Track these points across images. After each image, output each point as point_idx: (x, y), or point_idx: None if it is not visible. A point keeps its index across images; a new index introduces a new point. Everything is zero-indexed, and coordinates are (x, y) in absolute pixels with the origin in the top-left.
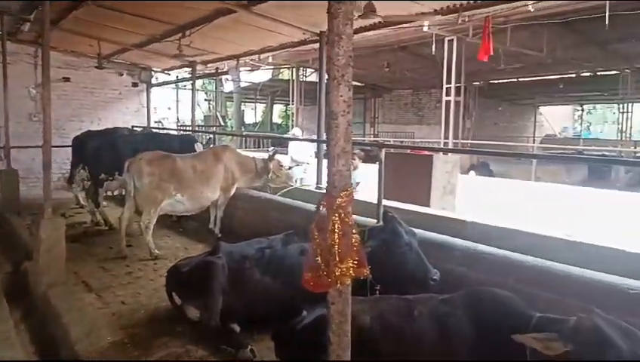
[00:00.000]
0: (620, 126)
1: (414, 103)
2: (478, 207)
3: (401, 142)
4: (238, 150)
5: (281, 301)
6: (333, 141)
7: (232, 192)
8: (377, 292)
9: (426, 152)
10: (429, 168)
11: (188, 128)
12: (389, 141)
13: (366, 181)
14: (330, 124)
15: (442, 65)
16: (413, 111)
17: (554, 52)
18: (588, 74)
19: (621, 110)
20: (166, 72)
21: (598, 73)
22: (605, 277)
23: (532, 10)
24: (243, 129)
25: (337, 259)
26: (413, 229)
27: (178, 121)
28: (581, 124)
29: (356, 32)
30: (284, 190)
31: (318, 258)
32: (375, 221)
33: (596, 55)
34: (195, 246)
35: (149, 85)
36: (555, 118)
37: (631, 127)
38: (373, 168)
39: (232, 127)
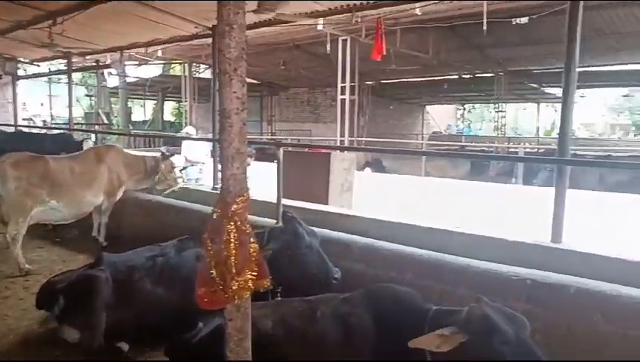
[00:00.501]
0: (496, 123)
1: (310, 101)
2: (374, 202)
3: (298, 140)
4: (126, 150)
5: (176, 313)
6: (227, 142)
7: (119, 196)
8: (279, 295)
9: (324, 150)
10: (327, 166)
11: (65, 126)
12: (286, 139)
13: (261, 180)
14: (223, 123)
15: (337, 64)
16: (310, 109)
17: (439, 54)
18: (468, 76)
19: (497, 109)
20: (36, 63)
21: (477, 75)
22: (492, 266)
23: (419, 13)
24: (131, 127)
25: (234, 271)
26: (314, 228)
27: (52, 118)
28: (463, 121)
29: (250, 27)
30: (169, 190)
31: (213, 271)
32: (275, 221)
33: (475, 58)
34: (75, 257)
35: (15, 77)
36: (440, 117)
37: (505, 125)
38: (270, 167)
39: (118, 126)
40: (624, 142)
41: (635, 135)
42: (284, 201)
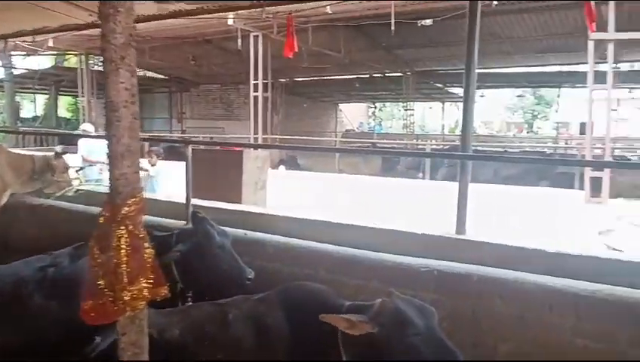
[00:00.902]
0: (405, 122)
1: (223, 98)
2: (289, 200)
3: (211, 138)
4: (13, 149)
5: (70, 328)
6: (115, 138)
7: (4, 200)
8: (189, 300)
9: (236, 148)
10: (240, 165)
11: None
12: (198, 137)
13: (171, 180)
14: (110, 117)
15: (249, 60)
16: (223, 106)
17: (350, 53)
18: (378, 75)
19: (405, 108)
20: None
21: (387, 75)
22: (403, 259)
23: (330, 12)
24: (19, 124)
25: (126, 280)
26: (225, 228)
27: None
28: (374, 120)
29: (151, 19)
30: (61, 192)
31: (101, 282)
32: (184, 222)
33: (384, 58)
34: None
35: None
36: (353, 115)
37: (413, 123)
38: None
39: (4, 122)
40: (518, 139)
41: (527, 132)
42: (196, 201)
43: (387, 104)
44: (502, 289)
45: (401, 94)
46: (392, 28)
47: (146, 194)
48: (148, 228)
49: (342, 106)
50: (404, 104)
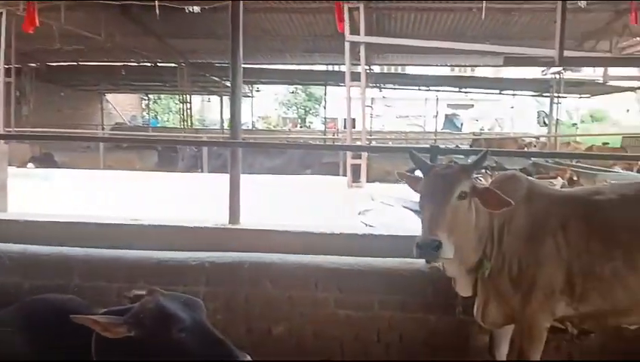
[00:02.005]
0: (181, 115)
1: None
2: (39, 202)
3: None
4: None
5: None
6: None
7: None
8: None
9: None
10: None
11: None
12: None
13: None
14: None
15: None
16: None
17: (113, 38)
18: (149, 64)
19: (181, 101)
20: None
21: (159, 64)
22: (170, 255)
23: None
24: None
25: None
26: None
27: None
28: (149, 113)
29: None
30: None
31: None
32: None
33: (155, 47)
34: None
35: None
36: (124, 107)
37: (191, 116)
38: None
39: None
40: (294, 133)
41: (300, 127)
42: None
43: (163, 96)
44: (271, 273)
45: (176, 86)
46: (157, 12)
47: None
48: None
49: (110, 97)
50: (180, 96)
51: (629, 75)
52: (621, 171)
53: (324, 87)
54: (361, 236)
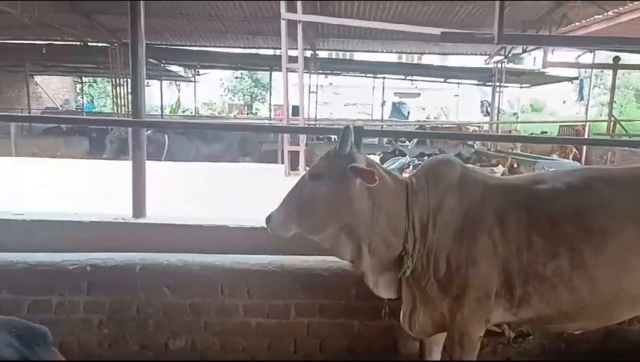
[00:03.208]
0: (114, 100)
1: None
2: None
3: None
4: None
5: None
6: None
7: None
8: None
9: None
10: None
11: None
12: None
13: None
14: None
15: None
16: None
17: (32, 13)
18: (77, 43)
19: (114, 84)
20: None
21: (89, 44)
22: (43, 258)
23: None
24: None
25: None
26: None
27: None
28: (83, 97)
29: None
30: None
31: None
32: None
33: (83, 24)
34: None
35: None
36: (55, 90)
37: (128, 101)
38: None
39: None
40: (239, 120)
41: (247, 114)
42: None
43: (99, 80)
44: (169, 277)
45: (109, 68)
46: None
47: None
48: None
49: (40, 79)
50: (114, 80)
51: (567, 62)
52: (559, 159)
53: (269, 73)
54: None
